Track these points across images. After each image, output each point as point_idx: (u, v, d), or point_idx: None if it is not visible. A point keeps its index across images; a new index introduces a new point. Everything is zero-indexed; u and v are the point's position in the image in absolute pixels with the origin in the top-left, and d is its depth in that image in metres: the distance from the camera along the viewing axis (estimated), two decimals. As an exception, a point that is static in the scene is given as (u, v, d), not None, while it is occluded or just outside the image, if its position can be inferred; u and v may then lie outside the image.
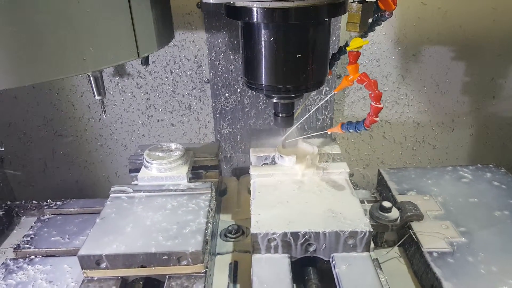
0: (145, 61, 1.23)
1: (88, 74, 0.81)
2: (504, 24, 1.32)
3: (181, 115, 1.45)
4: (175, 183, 1.00)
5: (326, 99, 1.30)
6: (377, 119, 0.82)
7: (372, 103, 0.81)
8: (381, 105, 0.81)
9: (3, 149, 1.43)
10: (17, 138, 1.46)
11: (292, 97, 0.90)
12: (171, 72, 1.37)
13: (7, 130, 1.44)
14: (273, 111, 0.97)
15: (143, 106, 1.43)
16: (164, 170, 1.01)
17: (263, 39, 0.81)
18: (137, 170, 1.05)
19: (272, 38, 0.80)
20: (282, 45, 0.80)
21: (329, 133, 0.96)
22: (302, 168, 1.01)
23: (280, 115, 0.95)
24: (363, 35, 0.87)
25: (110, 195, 0.98)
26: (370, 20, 0.86)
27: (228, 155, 1.47)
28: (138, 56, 0.78)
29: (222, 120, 1.39)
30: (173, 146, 1.08)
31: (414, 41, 1.36)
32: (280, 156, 1.03)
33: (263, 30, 0.80)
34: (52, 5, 0.62)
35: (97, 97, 0.86)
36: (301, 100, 0.96)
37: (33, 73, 0.64)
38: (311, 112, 1.29)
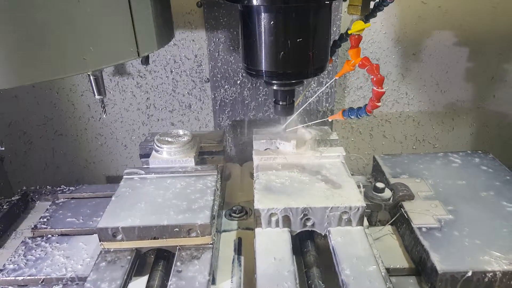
0: (145, 61, 1.23)
1: (88, 73, 0.81)
2: (504, 23, 1.32)
3: (181, 115, 1.45)
4: (184, 165, 1.06)
5: (326, 86, 1.29)
6: (379, 104, 0.82)
7: (374, 88, 0.80)
8: (383, 90, 0.80)
9: (3, 148, 1.42)
10: (17, 137, 1.47)
11: (292, 84, 0.90)
12: (171, 71, 1.37)
13: (8, 129, 1.44)
14: (273, 100, 0.97)
15: (143, 106, 1.43)
16: (173, 153, 1.07)
17: (262, 23, 0.80)
18: (147, 155, 1.11)
19: (272, 22, 0.78)
20: (282, 29, 0.79)
21: (330, 120, 0.97)
22: (301, 152, 1.07)
23: (280, 103, 0.95)
24: (364, 19, 0.86)
25: (124, 177, 1.03)
26: (372, 6, 0.85)
27: (228, 149, 1.47)
28: (138, 55, 0.78)
29: (221, 113, 1.39)
30: (181, 132, 1.14)
31: (414, 40, 1.36)
32: (281, 141, 1.08)
33: (262, 13, 0.79)
34: (52, 5, 0.62)
35: (97, 97, 0.86)
36: (301, 88, 0.95)
37: (33, 73, 0.64)
38: (312, 98, 1.28)
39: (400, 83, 1.43)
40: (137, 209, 0.90)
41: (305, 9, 0.78)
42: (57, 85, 1.38)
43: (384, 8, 0.87)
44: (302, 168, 1.02)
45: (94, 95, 0.86)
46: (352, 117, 0.90)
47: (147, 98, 1.42)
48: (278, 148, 1.10)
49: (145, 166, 1.08)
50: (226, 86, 1.34)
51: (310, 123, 1.12)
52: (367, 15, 0.86)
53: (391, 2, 0.84)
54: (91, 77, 0.83)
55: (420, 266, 0.87)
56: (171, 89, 1.40)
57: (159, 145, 1.08)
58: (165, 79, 1.38)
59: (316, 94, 1.31)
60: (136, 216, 0.87)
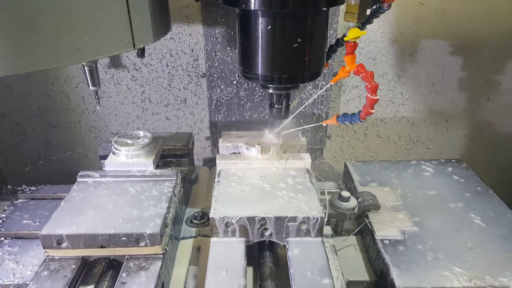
0: (141, 53, 1.22)
1: (83, 64, 0.80)
2: (500, 26, 1.33)
3: (176, 109, 1.45)
4: (142, 169, 1.02)
5: (322, 90, 1.30)
6: (373, 111, 0.82)
7: (368, 95, 0.81)
8: (377, 97, 0.80)
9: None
10: (10, 128, 1.45)
11: (288, 88, 0.90)
12: (167, 65, 1.36)
13: (0, 120, 1.43)
14: (268, 102, 0.97)
15: (138, 99, 1.42)
16: (131, 156, 1.03)
17: (260, 28, 0.80)
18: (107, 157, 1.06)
19: (269, 27, 0.79)
20: (279, 34, 0.79)
21: (324, 125, 0.97)
22: (266, 157, 1.05)
23: (276, 106, 0.94)
24: (361, 27, 0.87)
25: (77, 179, 0.99)
26: (368, 12, 0.85)
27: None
28: (134, 47, 0.77)
29: (217, 112, 1.38)
30: (141, 133, 1.09)
31: (411, 40, 1.36)
32: (246, 146, 1.06)
33: (260, 18, 0.79)
34: (48, -7, 0.62)
35: (91, 88, 0.85)
36: (297, 92, 0.95)
37: (27, 61, 0.63)
38: (307, 102, 1.28)
39: (396, 83, 1.44)
40: (85, 216, 0.86)
41: (302, 15, 0.79)
42: (52, 76, 1.37)
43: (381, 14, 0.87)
44: (265, 175, 1.00)
45: (88, 86, 0.85)
46: (346, 122, 0.91)
47: (142, 92, 1.41)
48: (243, 152, 1.07)
49: (104, 169, 1.03)
50: (222, 86, 1.34)
51: (304, 126, 1.12)
52: (364, 22, 0.86)
53: (388, 9, 0.84)
54: (86, 68, 0.82)
55: (381, 280, 0.85)
56: (166, 83, 1.39)
57: (116, 146, 1.03)
58: (161, 73, 1.37)
59: (312, 98, 1.31)
60: (82, 223, 0.83)
